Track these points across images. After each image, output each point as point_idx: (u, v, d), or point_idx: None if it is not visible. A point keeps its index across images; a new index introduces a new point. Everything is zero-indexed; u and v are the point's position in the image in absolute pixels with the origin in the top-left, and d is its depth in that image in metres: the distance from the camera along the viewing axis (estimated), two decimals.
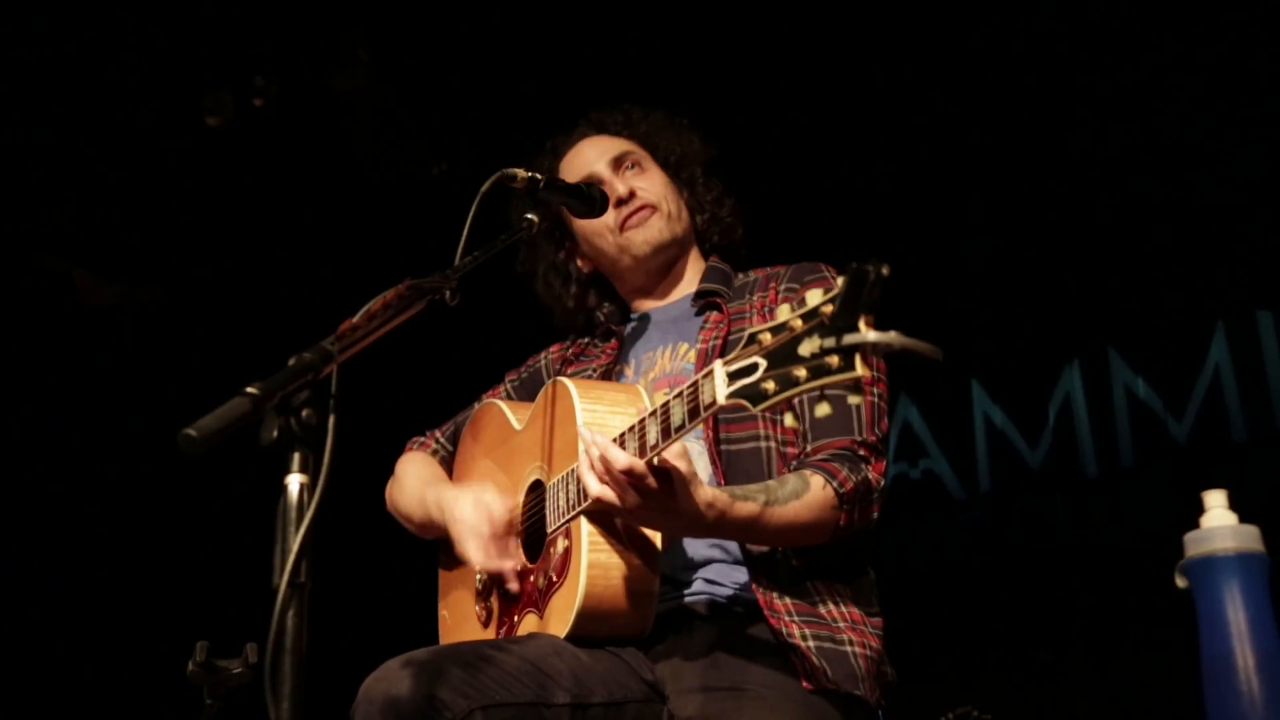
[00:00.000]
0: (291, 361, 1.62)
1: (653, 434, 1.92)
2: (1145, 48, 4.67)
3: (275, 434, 1.56)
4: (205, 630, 1.70)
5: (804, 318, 1.64)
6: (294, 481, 1.57)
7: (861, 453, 2.23)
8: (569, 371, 2.60)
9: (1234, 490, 3.01)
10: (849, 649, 2.19)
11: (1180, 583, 2.98)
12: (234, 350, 5.09)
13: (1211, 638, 2.89)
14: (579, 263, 2.67)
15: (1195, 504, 3.02)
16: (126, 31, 4.74)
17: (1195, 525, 3.00)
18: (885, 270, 1.56)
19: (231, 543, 4.37)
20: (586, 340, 2.67)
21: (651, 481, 1.94)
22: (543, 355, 2.74)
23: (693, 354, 2.41)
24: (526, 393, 2.65)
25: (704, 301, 2.50)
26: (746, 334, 1.72)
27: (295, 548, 1.53)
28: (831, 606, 2.22)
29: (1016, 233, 5.03)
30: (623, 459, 1.93)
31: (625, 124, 2.66)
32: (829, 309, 1.60)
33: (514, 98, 5.00)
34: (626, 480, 1.94)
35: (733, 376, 1.72)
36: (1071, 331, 5.11)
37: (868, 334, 1.55)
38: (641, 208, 2.53)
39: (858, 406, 2.26)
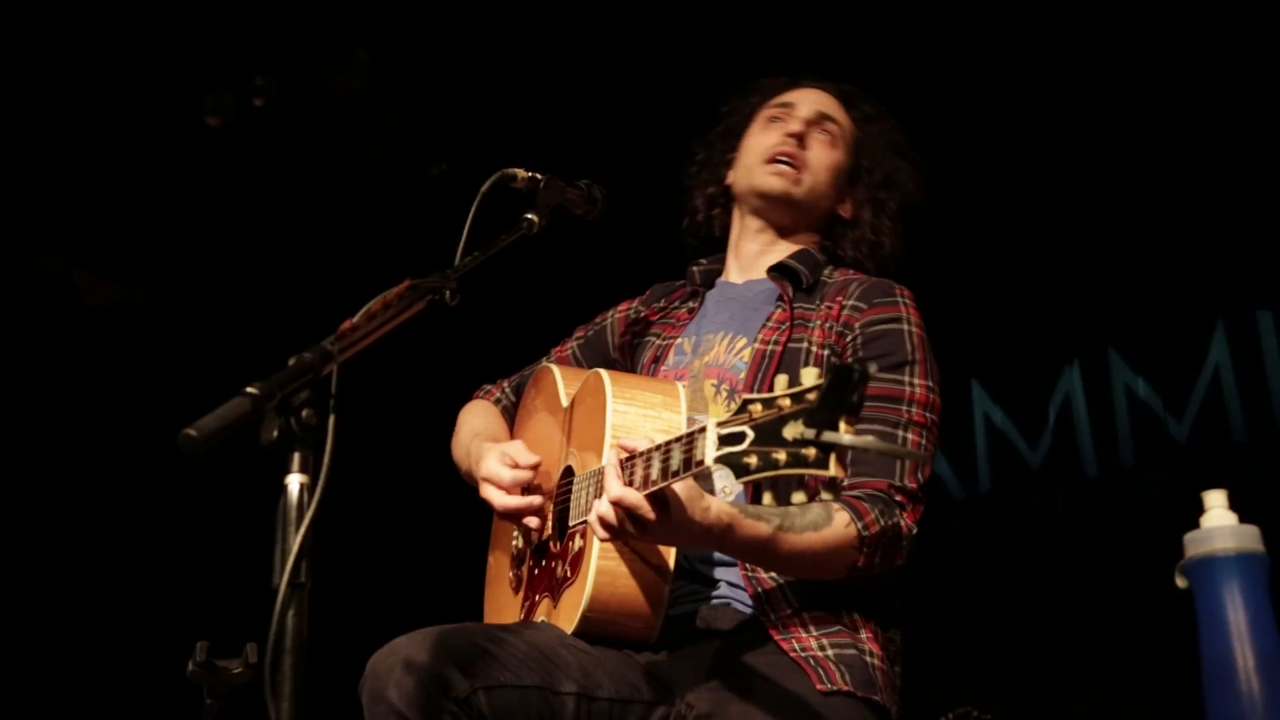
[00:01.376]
0: (291, 361, 1.62)
1: (656, 469, 1.91)
2: (1145, 47, 4.67)
3: (275, 434, 1.57)
4: (205, 630, 1.70)
5: (793, 398, 1.64)
6: (294, 481, 1.57)
7: (898, 498, 2.19)
8: (634, 331, 2.61)
9: (1234, 490, 3.01)
10: (868, 660, 2.18)
11: (1180, 583, 2.98)
12: (234, 350, 5.09)
13: (1211, 638, 2.89)
14: (727, 172, 2.66)
15: (1195, 504, 3.02)
16: (126, 31, 4.74)
17: (1195, 525, 3.00)
18: (873, 369, 1.57)
19: (231, 543, 4.37)
20: (663, 304, 2.66)
21: (648, 512, 1.93)
22: (611, 312, 2.73)
23: (748, 352, 2.38)
24: (591, 350, 2.67)
25: (777, 283, 2.46)
26: (741, 399, 1.71)
27: (295, 548, 1.54)
28: (857, 617, 2.21)
29: (1016, 233, 5.03)
30: (614, 490, 1.94)
31: (861, 113, 2.64)
32: (814, 397, 1.60)
33: (514, 98, 5.00)
34: (625, 509, 1.94)
35: (723, 440, 1.71)
36: (1071, 331, 5.11)
37: (844, 436, 1.57)
38: (790, 158, 2.51)
39: (904, 446, 2.22)
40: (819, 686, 2.09)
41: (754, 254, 2.57)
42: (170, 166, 5.22)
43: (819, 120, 2.56)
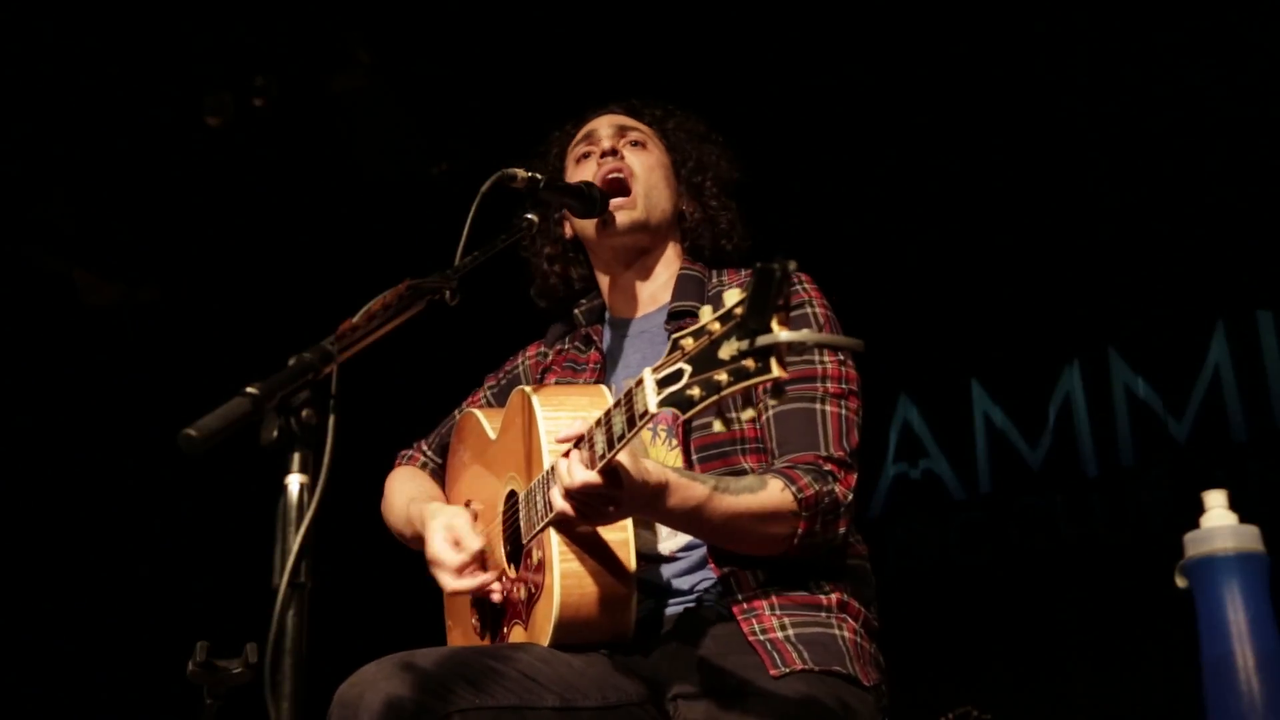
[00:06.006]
0: (291, 361, 1.62)
1: (600, 444, 1.91)
2: (1145, 48, 4.67)
3: (275, 434, 1.56)
4: (205, 630, 1.70)
5: (721, 320, 1.63)
6: (294, 481, 1.57)
7: (827, 467, 2.20)
8: (551, 380, 2.58)
9: (1234, 490, 3.01)
10: (837, 633, 2.18)
11: (1180, 583, 2.98)
12: (234, 350, 5.09)
13: (1211, 638, 2.88)
14: (561, 227, 2.65)
15: (1195, 504, 3.02)
16: (127, 31, 4.74)
17: (1195, 525, 3.00)
18: (792, 266, 1.55)
19: (231, 543, 4.37)
20: (567, 346, 2.64)
21: (604, 488, 1.93)
22: (520, 359, 2.72)
23: None
24: (505, 398, 2.64)
25: (677, 325, 2.46)
26: (671, 339, 1.71)
27: (295, 548, 1.53)
28: (828, 595, 2.22)
29: (1016, 233, 5.03)
30: (564, 479, 1.94)
31: (653, 116, 2.65)
32: (741, 310, 1.59)
33: (514, 98, 5.00)
34: (582, 493, 1.94)
35: (661, 384, 1.70)
36: (1071, 331, 5.11)
37: (780, 334, 1.54)
38: (616, 172, 2.50)
39: (824, 419, 2.24)
40: (771, 671, 2.09)
41: (632, 286, 2.57)
42: (170, 166, 5.22)
43: (621, 133, 2.58)
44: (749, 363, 1.57)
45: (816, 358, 2.30)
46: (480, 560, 2.32)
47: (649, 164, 2.54)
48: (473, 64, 5.04)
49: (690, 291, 2.48)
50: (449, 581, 2.30)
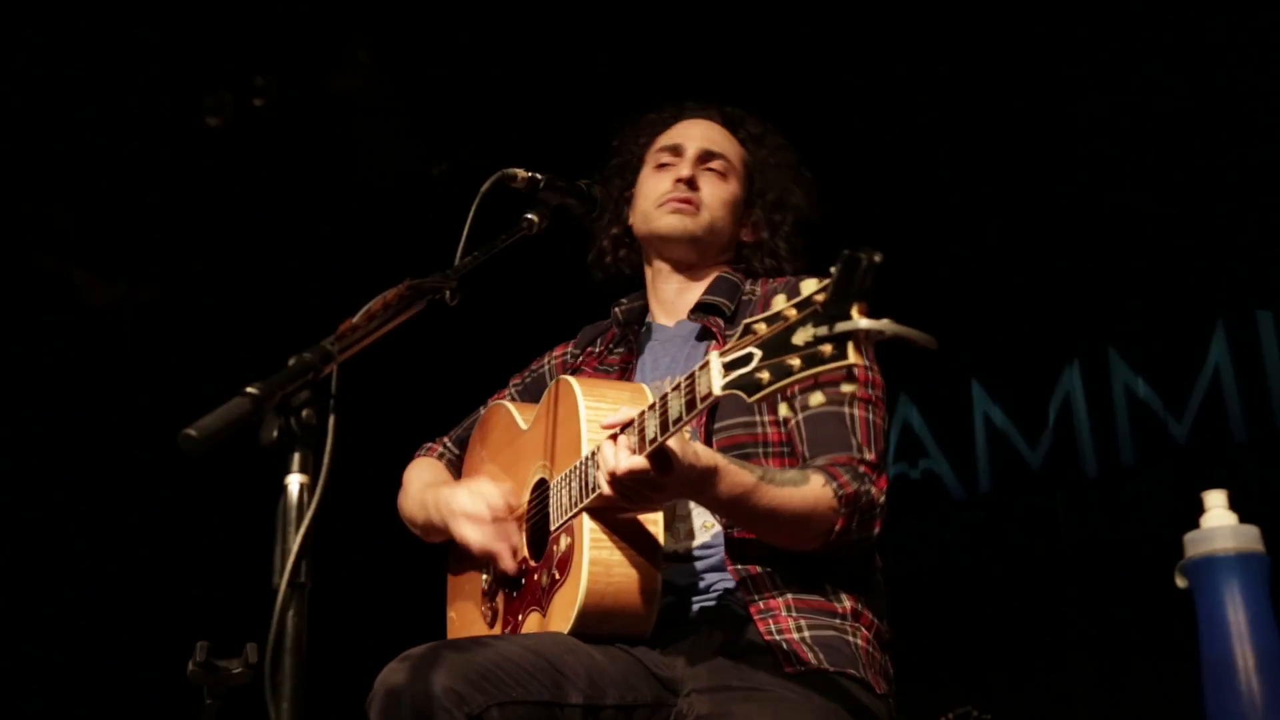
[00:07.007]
0: (291, 361, 1.62)
1: (652, 428, 1.91)
2: (1145, 47, 4.67)
3: (275, 434, 1.56)
4: (205, 630, 1.70)
5: (798, 306, 1.64)
6: (294, 481, 1.57)
7: (863, 469, 2.20)
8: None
9: (1234, 490, 3.01)
10: (850, 639, 2.19)
11: (1180, 583, 2.99)
12: (234, 350, 5.09)
13: (1211, 638, 2.89)
14: (628, 210, 2.67)
15: (1195, 504, 3.03)
16: (127, 31, 4.74)
17: (1195, 525, 3.00)
18: (878, 257, 1.55)
19: (231, 543, 4.37)
20: (598, 349, 2.66)
21: (652, 473, 1.93)
22: (546, 358, 2.73)
23: None
24: (530, 396, 2.65)
25: (702, 321, 2.46)
26: (743, 324, 1.72)
27: (295, 548, 1.54)
28: (844, 602, 2.22)
29: (1017, 232, 5.04)
30: (609, 461, 1.95)
31: (747, 134, 2.66)
32: (822, 297, 1.60)
33: (514, 98, 5.00)
34: (628, 477, 1.95)
35: (728, 367, 1.71)
36: (1071, 331, 5.12)
37: (860, 321, 1.55)
38: (686, 200, 2.52)
39: (853, 422, 2.24)
40: (786, 669, 2.10)
41: (673, 293, 2.58)
42: (170, 166, 5.23)
43: (706, 158, 2.58)
44: (825, 348, 1.58)
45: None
46: (508, 515, 2.32)
47: (721, 197, 2.56)
48: (473, 64, 5.04)
49: (723, 290, 2.50)
50: (475, 536, 2.30)
